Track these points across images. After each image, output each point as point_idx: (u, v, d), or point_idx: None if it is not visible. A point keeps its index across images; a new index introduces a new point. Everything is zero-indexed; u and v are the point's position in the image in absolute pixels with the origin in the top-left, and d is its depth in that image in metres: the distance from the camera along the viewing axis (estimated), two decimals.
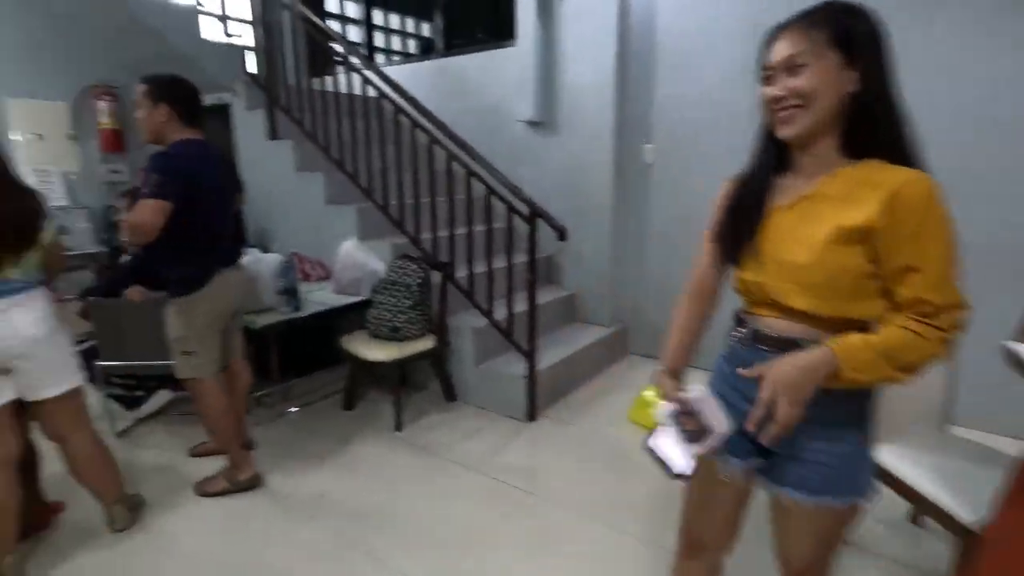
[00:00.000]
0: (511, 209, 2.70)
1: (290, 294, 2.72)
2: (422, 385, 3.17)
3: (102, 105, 4.09)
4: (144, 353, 2.55)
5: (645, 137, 3.40)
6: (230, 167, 2.20)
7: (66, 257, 1.86)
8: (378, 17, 4.96)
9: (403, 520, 2.06)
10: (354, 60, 3.21)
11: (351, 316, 3.02)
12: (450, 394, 3.00)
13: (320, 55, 3.92)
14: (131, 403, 2.76)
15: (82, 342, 2.58)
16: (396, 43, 5.04)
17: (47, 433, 1.84)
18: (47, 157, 3.94)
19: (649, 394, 2.69)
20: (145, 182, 1.82)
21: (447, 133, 2.85)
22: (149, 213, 1.78)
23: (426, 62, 4.32)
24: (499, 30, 4.00)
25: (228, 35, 3.91)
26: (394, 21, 4.97)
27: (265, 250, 3.41)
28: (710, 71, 3.10)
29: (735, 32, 2.98)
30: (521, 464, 2.43)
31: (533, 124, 3.71)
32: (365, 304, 2.94)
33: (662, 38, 3.23)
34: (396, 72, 3.52)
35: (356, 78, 3.21)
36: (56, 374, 1.75)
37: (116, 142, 4.21)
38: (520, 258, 2.86)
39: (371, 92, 3.17)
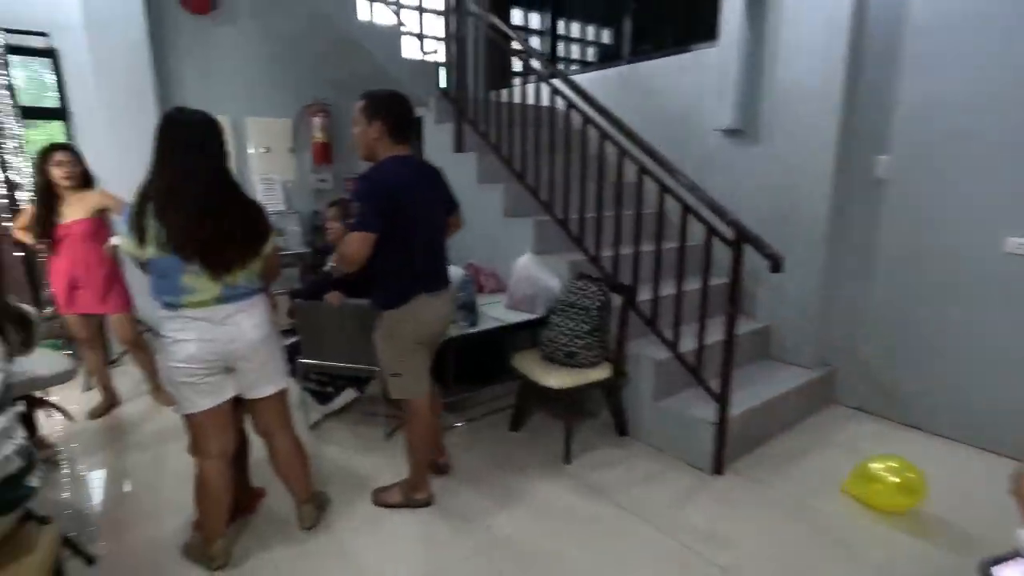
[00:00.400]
0: (711, 231, 2.37)
1: (468, 308, 2.70)
2: (591, 413, 2.96)
3: (316, 121, 4.58)
4: (337, 354, 2.71)
5: (878, 148, 2.81)
6: (441, 187, 2.12)
7: (281, 266, 1.98)
8: (560, 26, 4.89)
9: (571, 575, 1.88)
10: (540, 69, 3.13)
11: (522, 332, 2.93)
12: (622, 428, 2.76)
13: (504, 67, 3.96)
14: (322, 398, 2.96)
15: (288, 332, 2.82)
16: (578, 52, 4.93)
17: (256, 429, 1.98)
18: (272, 168, 4.51)
19: (876, 467, 2.17)
20: (352, 208, 1.88)
21: (641, 145, 2.61)
22: (356, 246, 1.83)
23: (608, 70, 4.13)
24: (696, 30, 3.66)
25: (424, 52, 4.12)
26: (575, 29, 4.86)
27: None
28: (977, 68, 2.45)
29: (1020, 16, 2.31)
30: (708, 527, 2.10)
31: (730, 133, 3.31)
32: (538, 322, 2.83)
33: (911, 28, 2.63)
34: (577, 81, 3.38)
35: (537, 88, 3.12)
36: (269, 376, 1.86)
37: (325, 154, 4.68)
38: (709, 281, 2.52)
39: (553, 102, 3.06)
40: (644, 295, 2.72)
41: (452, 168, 3.81)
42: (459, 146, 3.79)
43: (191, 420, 1.80)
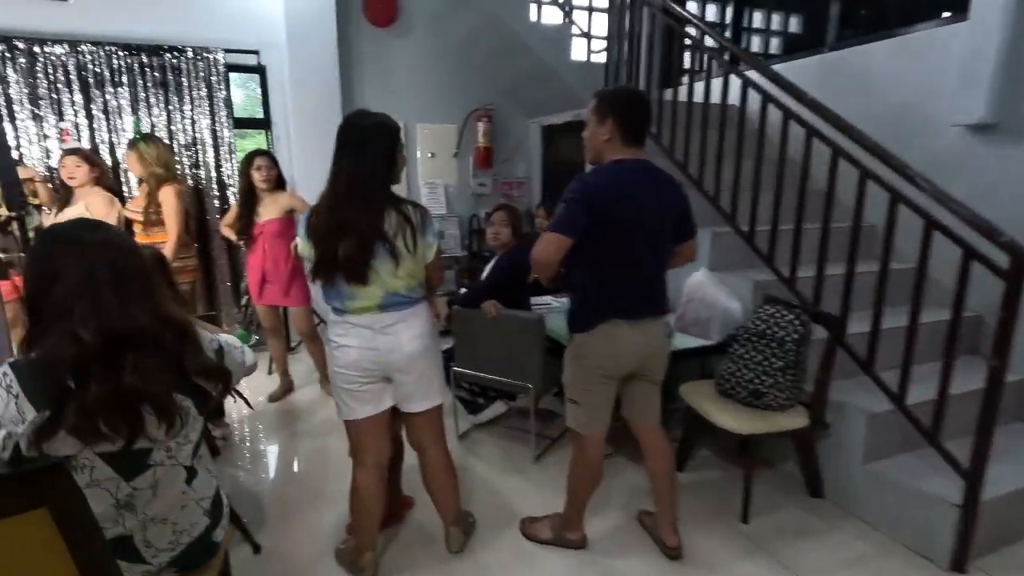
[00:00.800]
0: (969, 254, 1.82)
1: None
2: (770, 460, 2.51)
3: (480, 126, 4.62)
4: (490, 366, 2.60)
5: None
6: (676, 204, 1.78)
7: (443, 273, 1.87)
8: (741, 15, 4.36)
9: None
10: (733, 57, 2.74)
11: (691, 360, 2.57)
12: (816, 489, 2.27)
13: (677, 63, 3.62)
14: (472, 408, 2.89)
15: (445, 333, 2.78)
16: (764, 42, 4.36)
17: (409, 441, 1.92)
18: (437, 172, 4.65)
19: None
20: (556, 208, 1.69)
21: (865, 145, 2.12)
22: (546, 246, 1.63)
23: (805, 59, 3.56)
24: (926, 6, 2.99)
25: (592, 51, 3.92)
26: (759, 17, 4.30)
27: None
28: None
29: None
30: None
31: (980, 129, 2.61)
32: (712, 349, 2.46)
33: None
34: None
35: (725, 82, 2.73)
36: (424, 391, 1.77)
37: (486, 159, 4.71)
38: (941, 315, 1.94)
39: (744, 97, 2.65)
40: (855, 327, 2.21)
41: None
42: None
43: (349, 426, 1.77)
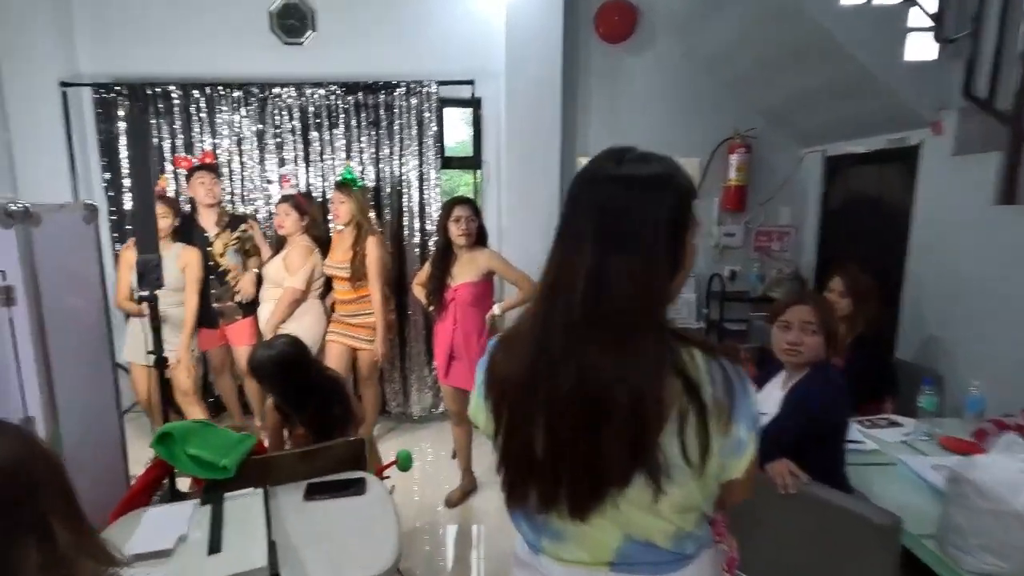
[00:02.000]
0: None
1: None
2: None
3: (733, 159, 3.52)
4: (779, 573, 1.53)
5: None
6: None
7: (753, 488, 0.88)
8: None
9: None
10: None
11: None
12: None
13: None
14: None
15: None
16: None
17: None
18: None
19: None
20: None
21: None
22: None
23: None
24: None
25: (943, 41, 2.54)
26: None
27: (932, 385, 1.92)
28: None
29: None
30: None
31: None
32: None
33: None
34: None
35: None
36: None
37: (738, 200, 3.58)
38: None
39: None
40: None
41: (992, 231, 2.20)
42: (1009, 194, 2.13)
43: None
